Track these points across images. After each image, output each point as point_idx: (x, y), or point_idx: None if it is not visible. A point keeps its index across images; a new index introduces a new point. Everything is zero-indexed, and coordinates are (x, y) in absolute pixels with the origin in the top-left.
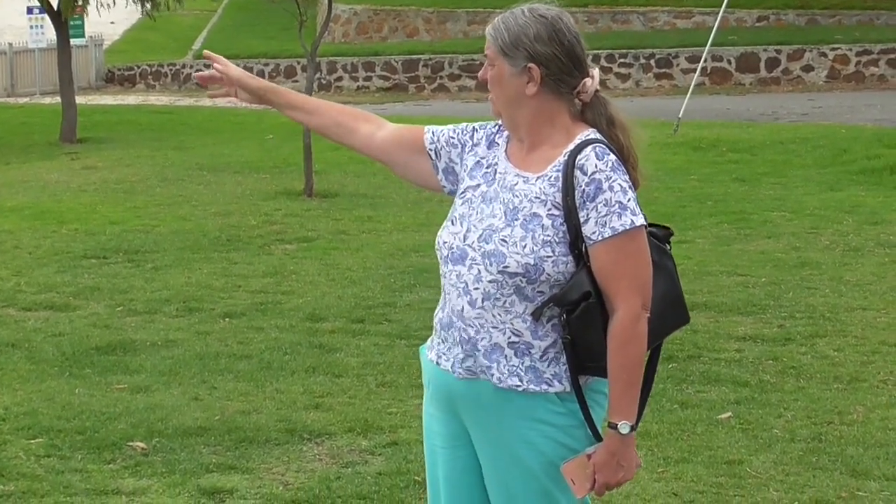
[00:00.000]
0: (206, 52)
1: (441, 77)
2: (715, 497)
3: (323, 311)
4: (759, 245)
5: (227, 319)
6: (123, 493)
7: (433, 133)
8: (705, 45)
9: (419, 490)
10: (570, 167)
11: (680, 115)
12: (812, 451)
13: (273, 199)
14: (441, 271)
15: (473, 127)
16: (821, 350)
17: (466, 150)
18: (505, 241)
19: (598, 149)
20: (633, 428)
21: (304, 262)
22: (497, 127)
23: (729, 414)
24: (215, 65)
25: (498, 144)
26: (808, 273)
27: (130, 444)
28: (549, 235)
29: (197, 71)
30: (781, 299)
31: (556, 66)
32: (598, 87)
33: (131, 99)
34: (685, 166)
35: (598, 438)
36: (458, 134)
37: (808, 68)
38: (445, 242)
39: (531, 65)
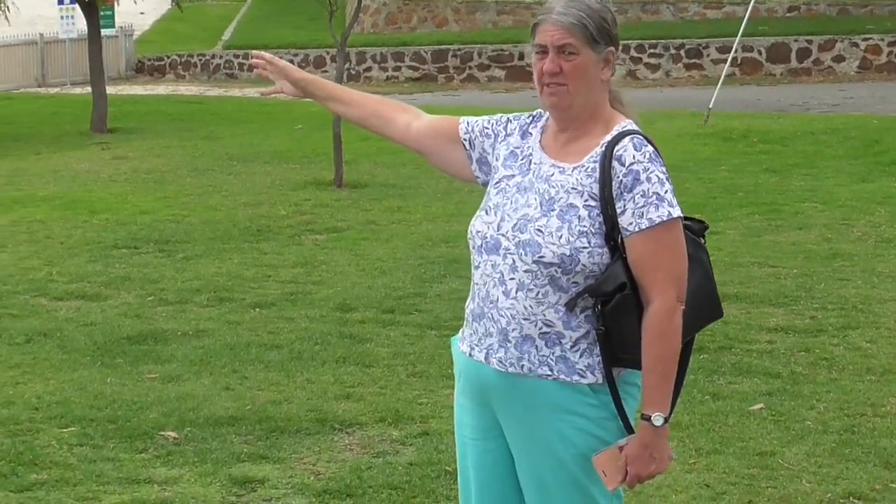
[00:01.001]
0: (254, 52)
1: (470, 67)
2: (747, 488)
3: (353, 301)
4: (791, 236)
5: (257, 309)
6: (155, 482)
7: (468, 123)
8: (736, 36)
9: (450, 480)
10: (607, 158)
11: (710, 106)
12: (845, 442)
13: (303, 189)
14: (474, 261)
15: (507, 118)
16: (853, 342)
17: (499, 140)
18: (540, 231)
19: (635, 140)
20: (666, 420)
21: (333, 252)
22: (531, 118)
23: (761, 405)
24: (263, 57)
25: (531, 135)
26: (840, 264)
27: (162, 433)
28: (585, 226)
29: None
30: (813, 290)
31: (617, 48)
32: None
33: (161, 89)
34: (715, 157)
35: (631, 430)
36: (493, 125)
37: (839, 58)
38: (479, 232)
39: (611, 48)
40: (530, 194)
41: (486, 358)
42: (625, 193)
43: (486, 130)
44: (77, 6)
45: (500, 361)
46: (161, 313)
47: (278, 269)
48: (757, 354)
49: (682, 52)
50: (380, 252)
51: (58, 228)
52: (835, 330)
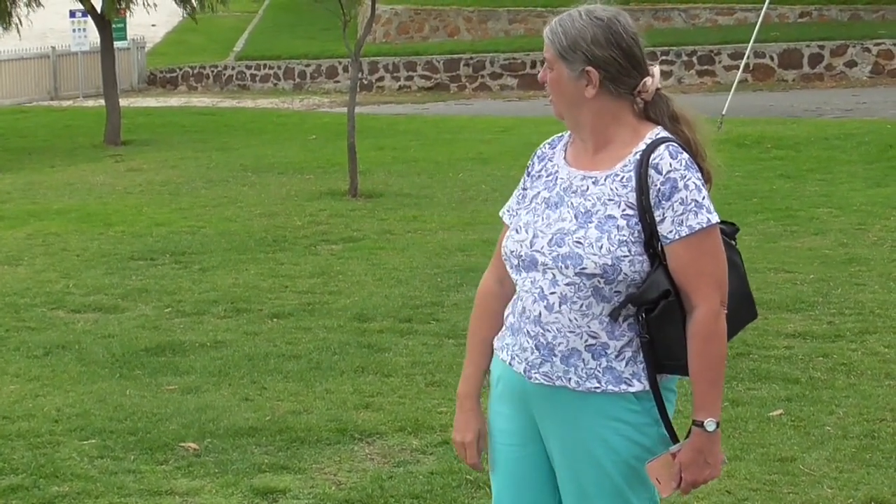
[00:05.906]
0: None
1: (482, 76)
2: (769, 494)
3: (370, 310)
4: (807, 242)
5: (275, 320)
6: (177, 493)
7: (507, 210)
8: (747, 42)
9: (471, 489)
10: (643, 166)
11: (723, 112)
12: (865, 448)
13: (318, 199)
14: (513, 279)
15: (527, 168)
16: (871, 347)
17: (531, 184)
18: (580, 243)
19: (671, 147)
20: (718, 425)
21: (350, 262)
22: (547, 145)
23: (780, 411)
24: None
25: (554, 153)
26: (857, 269)
27: (182, 444)
28: (624, 235)
29: None
30: (830, 296)
31: (615, 68)
32: (660, 85)
33: (174, 101)
34: (730, 163)
35: (672, 436)
36: (522, 184)
37: (851, 64)
38: (512, 252)
39: (589, 68)
40: (563, 209)
41: (525, 371)
42: (663, 202)
43: (520, 194)
44: (89, 19)
45: (546, 375)
46: (179, 325)
47: (295, 279)
48: (775, 360)
49: (694, 59)
50: (396, 261)
51: (74, 241)
52: (853, 335)
